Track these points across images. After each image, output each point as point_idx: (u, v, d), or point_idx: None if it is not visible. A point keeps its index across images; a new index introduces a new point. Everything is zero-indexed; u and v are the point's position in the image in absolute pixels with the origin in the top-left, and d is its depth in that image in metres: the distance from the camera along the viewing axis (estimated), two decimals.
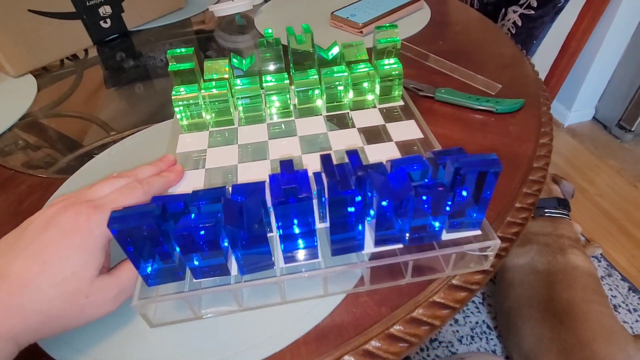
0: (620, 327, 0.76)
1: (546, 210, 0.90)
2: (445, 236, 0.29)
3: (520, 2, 0.72)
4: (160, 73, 0.61)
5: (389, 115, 0.42)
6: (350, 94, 0.43)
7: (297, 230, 0.26)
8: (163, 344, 0.27)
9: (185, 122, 0.41)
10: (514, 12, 0.72)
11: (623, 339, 0.73)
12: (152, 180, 0.30)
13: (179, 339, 0.27)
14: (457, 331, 1.02)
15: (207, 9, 0.75)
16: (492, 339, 0.99)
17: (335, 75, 0.41)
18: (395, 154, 0.37)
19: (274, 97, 0.42)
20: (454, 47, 0.58)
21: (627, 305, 1.04)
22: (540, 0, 0.70)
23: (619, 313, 1.02)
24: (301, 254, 0.28)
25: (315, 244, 0.27)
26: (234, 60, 0.41)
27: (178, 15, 0.75)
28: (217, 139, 0.40)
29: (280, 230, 0.26)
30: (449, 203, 0.26)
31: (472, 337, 1.00)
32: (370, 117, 0.42)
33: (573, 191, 0.96)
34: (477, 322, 1.03)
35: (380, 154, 0.37)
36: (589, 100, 1.59)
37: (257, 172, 0.36)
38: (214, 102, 0.40)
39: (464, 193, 0.26)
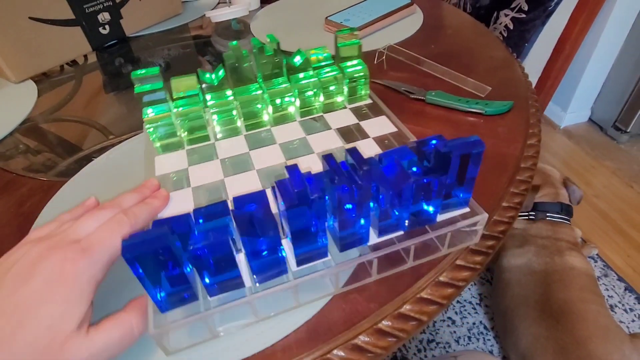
0: (617, 327, 0.76)
1: (548, 215, 0.91)
2: (439, 218, 0.31)
3: (512, 6, 0.73)
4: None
5: (360, 114, 0.44)
6: (321, 98, 0.44)
7: (311, 231, 0.26)
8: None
9: (159, 144, 0.40)
10: (506, 15, 0.73)
11: (619, 338, 0.74)
12: (138, 210, 0.28)
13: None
14: (454, 332, 1.02)
15: (204, 14, 0.76)
16: (489, 339, 1.00)
17: (303, 81, 0.42)
18: (376, 149, 0.39)
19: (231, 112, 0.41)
20: (445, 51, 0.60)
21: (623, 305, 1.05)
22: (531, 4, 0.72)
23: (615, 313, 1.03)
24: (313, 254, 0.28)
25: (327, 242, 0.28)
26: (206, 75, 0.40)
27: (176, 21, 0.77)
28: (196, 157, 0.39)
29: (292, 234, 0.26)
30: (442, 187, 0.28)
31: (469, 337, 1.01)
32: (344, 118, 0.43)
33: (580, 197, 0.96)
34: (474, 323, 1.04)
35: (363, 151, 0.39)
36: (584, 101, 1.60)
37: (246, 183, 0.36)
38: (187, 119, 0.39)
39: (453, 176, 0.28)
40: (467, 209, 0.31)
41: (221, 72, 0.40)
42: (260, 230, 0.25)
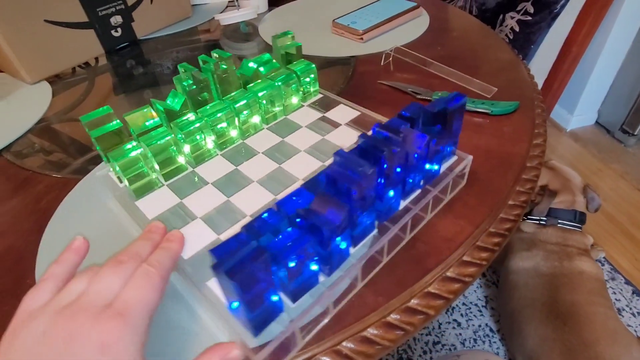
0: (625, 329, 0.76)
1: (560, 221, 0.90)
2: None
3: (517, 9, 0.74)
4: (167, 80, 0.63)
5: (321, 107, 0.47)
6: (282, 102, 0.45)
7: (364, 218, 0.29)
8: (167, 315, 0.28)
9: (135, 186, 0.36)
10: (512, 18, 0.74)
11: (627, 341, 0.74)
12: (160, 257, 0.25)
13: (183, 316, 0.29)
14: (460, 334, 1.02)
15: (213, 17, 0.78)
16: (494, 342, 0.99)
17: (262, 92, 0.43)
18: (354, 132, 0.43)
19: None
20: (451, 53, 0.60)
21: (631, 308, 1.04)
22: (536, 7, 0.73)
23: (623, 317, 1.02)
24: (364, 237, 0.31)
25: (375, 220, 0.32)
26: (167, 101, 0.39)
27: (185, 24, 0.78)
28: (182, 189, 0.37)
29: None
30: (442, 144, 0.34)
31: (474, 339, 1.01)
32: (307, 115, 0.46)
33: (599, 206, 0.94)
34: (479, 325, 1.03)
35: (344, 138, 0.42)
36: (591, 104, 1.59)
37: (255, 196, 0.36)
38: (159, 154, 0.36)
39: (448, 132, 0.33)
40: (455, 157, 0.38)
41: (178, 99, 0.38)
42: (337, 223, 0.25)
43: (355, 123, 0.44)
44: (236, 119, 0.42)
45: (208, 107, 0.40)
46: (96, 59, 0.69)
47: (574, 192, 0.93)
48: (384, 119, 0.42)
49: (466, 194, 0.38)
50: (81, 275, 0.23)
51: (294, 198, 0.27)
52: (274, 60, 0.46)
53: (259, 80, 0.44)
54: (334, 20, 0.68)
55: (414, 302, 0.30)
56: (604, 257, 1.16)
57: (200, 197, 0.37)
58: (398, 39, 0.64)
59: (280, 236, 0.24)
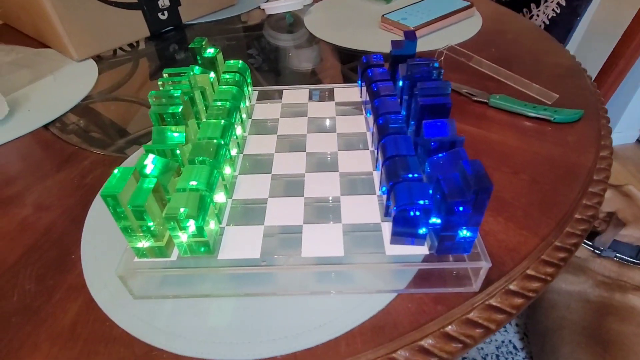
0: None
1: (617, 255, 0.81)
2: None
3: None
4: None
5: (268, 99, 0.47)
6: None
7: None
8: (223, 318, 0.27)
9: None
10: None
11: None
12: None
13: (238, 315, 0.27)
14: (482, 349, 0.99)
15: (259, 6, 0.77)
16: (517, 359, 0.96)
17: (233, 109, 0.38)
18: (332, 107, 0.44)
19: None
20: (506, 55, 0.57)
21: None
22: None
23: None
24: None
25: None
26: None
27: (230, 12, 0.77)
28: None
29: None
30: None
31: (497, 356, 0.97)
32: (269, 108, 0.45)
33: None
34: (502, 342, 1.00)
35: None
36: (633, 122, 1.52)
37: (292, 206, 0.32)
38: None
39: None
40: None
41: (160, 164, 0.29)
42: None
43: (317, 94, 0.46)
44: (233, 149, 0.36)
45: (205, 147, 0.31)
46: (138, 41, 0.69)
47: None
48: None
49: (528, 204, 0.35)
50: None
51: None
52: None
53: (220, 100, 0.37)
54: (383, 15, 0.66)
55: (474, 314, 0.28)
56: None
57: (241, 234, 0.30)
58: (450, 38, 0.62)
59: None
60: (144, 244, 0.27)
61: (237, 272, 0.29)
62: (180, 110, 0.31)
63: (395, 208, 0.26)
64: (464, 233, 0.26)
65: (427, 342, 0.27)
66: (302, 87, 0.48)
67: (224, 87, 0.39)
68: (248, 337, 0.26)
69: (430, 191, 0.26)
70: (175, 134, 0.31)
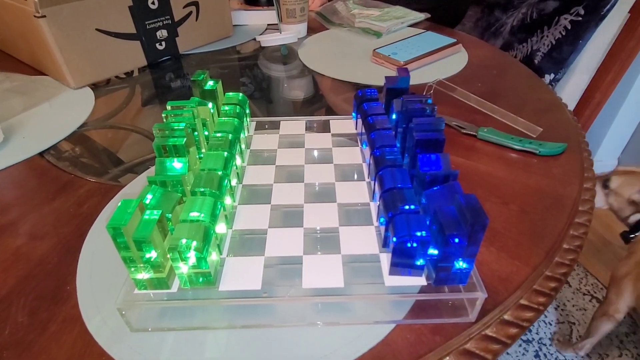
0: None
1: None
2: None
3: (571, 12, 0.89)
4: None
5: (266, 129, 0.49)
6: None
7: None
8: (223, 351, 0.27)
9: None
10: (565, 19, 0.89)
11: None
12: None
13: (238, 347, 0.27)
14: None
15: (254, 38, 0.79)
16: None
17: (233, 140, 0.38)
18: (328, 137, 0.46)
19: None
20: (492, 89, 0.60)
21: None
22: (587, 10, 0.86)
23: None
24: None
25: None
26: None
27: (225, 43, 0.80)
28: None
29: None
30: None
31: None
32: (266, 139, 0.46)
33: None
34: None
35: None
36: (611, 151, 1.59)
37: (291, 237, 0.33)
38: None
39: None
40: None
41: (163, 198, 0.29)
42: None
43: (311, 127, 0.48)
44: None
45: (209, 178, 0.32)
46: (138, 69, 0.70)
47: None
48: None
49: (519, 234, 0.36)
50: None
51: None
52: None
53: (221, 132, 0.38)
54: (374, 49, 0.69)
55: (471, 345, 0.29)
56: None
57: (241, 265, 0.31)
58: (438, 72, 0.65)
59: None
60: (144, 275, 0.27)
61: (239, 303, 0.29)
62: (183, 142, 0.32)
63: (395, 239, 0.27)
64: (460, 264, 0.27)
65: None
66: (299, 119, 0.49)
67: (224, 118, 0.40)
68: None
69: (427, 222, 0.27)
70: (178, 165, 0.32)
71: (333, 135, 0.46)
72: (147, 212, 0.26)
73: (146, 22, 0.66)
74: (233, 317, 0.29)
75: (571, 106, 1.41)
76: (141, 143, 0.52)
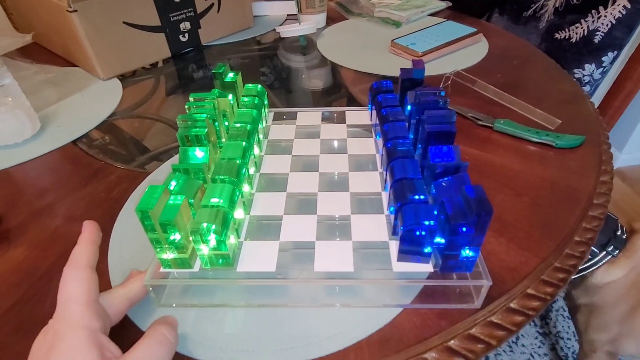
0: None
1: None
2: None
3: None
4: None
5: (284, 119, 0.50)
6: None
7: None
8: (240, 327, 0.29)
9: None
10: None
11: None
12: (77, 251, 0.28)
13: (254, 324, 0.29)
14: None
15: (274, 29, 0.80)
16: None
17: (253, 127, 0.40)
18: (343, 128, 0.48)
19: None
20: (511, 81, 0.60)
21: None
22: None
23: None
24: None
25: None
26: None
27: (246, 34, 0.81)
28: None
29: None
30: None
31: None
32: (284, 130, 0.48)
33: None
34: None
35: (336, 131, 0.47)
36: None
37: (305, 223, 0.35)
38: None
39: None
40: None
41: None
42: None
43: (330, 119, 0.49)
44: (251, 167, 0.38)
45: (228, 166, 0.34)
46: (162, 60, 0.73)
47: None
48: None
49: (530, 226, 0.37)
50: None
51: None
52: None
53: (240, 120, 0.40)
54: (392, 40, 0.69)
55: (476, 330, 0.30)
56: None
57: (258, 249, 0.33)
58: (456, 63, 0.64)
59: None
60: (169, 255, 0.29)
61: (255, 283, 0.31)
62: (205, 132, 0.34)
63: (402, 228, 0.28)
64: (467, 253, 0.28)
65: (431, 356, 0.28)
66: (316, 110, 0.50)
67: (243, 109, 0.41)
68: (263, 346, 0.28)
69: (435, 212, 0.28)
70: (200, 154, 0.34)
71: (348, 126, 0.47)
72: (172, 197, 0.28)
73: (170, 15, 0.69)
74: (250, 296, 0.31)
75: (602, 92, 1.37)
76: (165, 132, 0.55)
